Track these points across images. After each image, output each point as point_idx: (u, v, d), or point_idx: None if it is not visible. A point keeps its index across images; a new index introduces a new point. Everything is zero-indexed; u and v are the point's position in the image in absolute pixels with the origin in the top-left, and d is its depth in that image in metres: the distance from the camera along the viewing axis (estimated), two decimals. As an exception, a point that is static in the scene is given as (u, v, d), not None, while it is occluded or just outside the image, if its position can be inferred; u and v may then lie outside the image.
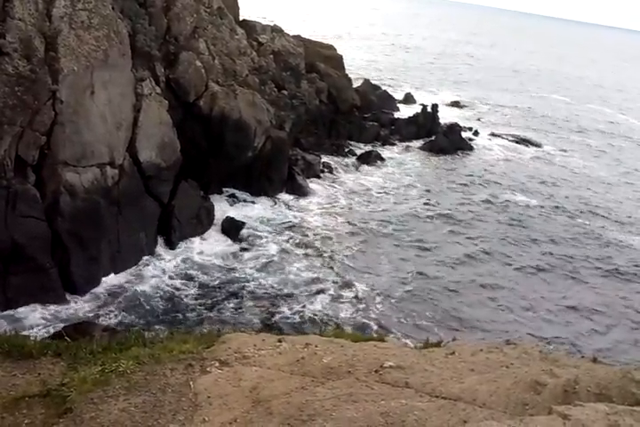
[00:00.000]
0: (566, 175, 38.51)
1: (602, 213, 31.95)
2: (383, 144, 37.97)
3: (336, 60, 39.52)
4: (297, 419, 4.66)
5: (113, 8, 19.36)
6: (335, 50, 40.97)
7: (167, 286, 18.59)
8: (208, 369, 5.43)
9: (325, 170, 31.10)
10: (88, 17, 17.93)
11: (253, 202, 25.61)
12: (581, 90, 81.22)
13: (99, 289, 17.54)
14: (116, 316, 16.55)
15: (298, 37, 37.03)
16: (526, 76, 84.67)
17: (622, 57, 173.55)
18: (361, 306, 19.04)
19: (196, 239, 21.61)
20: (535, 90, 72.85)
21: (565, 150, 44.79)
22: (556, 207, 31.59)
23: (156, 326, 15.13)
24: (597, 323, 20.36)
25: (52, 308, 16.22)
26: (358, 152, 34.97)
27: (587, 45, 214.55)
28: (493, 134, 45.03)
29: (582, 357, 5.65)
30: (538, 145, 44.68)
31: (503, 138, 44.74)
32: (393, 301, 19.65)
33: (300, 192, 27.46)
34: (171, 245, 20.80)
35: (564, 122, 55.93)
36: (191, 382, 5.19)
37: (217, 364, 5.53)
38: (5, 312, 15.45)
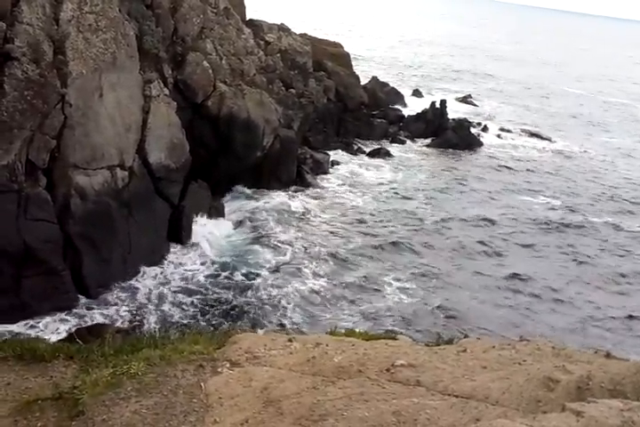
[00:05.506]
0: (577, 170, 38.21)
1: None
2: (392, 141, 37.91)
3: (343, 58, 39.47)
4: (308, 419, 4.63)
5: (120, 10, 19.41)
6: (342, 47, 40.90)
7: (178, 286, 18.65)
8: (219, 370, 5.41)
9: (334, 167, 31.09)
10: (95, 20, 17.99)
11: (262, 198, 25.69)
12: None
13: (111, 291, 17.62)
14: (128, 317, 16.63)
15: (304, 36, 36.99)
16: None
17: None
18: (374, 304, 19.02)
19: (208, 240, 21.65)
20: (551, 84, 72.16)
21: (580, 145, 44.39)
22: (572, 206, 31.29)
23: (168, 327, 15.17)
24: (614, 318, 20.21)
25: (65, 310, 16.31)
26: (367, 149, 34.92)
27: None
28: (503, 129, 44.78)
29: (596, 352, 5.58)
30: (548, 140, 44.38)
31: (513, 133, 44.47)
32: (405, 299, 19.61)
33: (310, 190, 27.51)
34: (182, 245, 20.84)
35: (579, 115, 55.40)
36: (202, 383, 5.18)
37: (228, 364, 5.50)
38: (19, 315, 15.55)
